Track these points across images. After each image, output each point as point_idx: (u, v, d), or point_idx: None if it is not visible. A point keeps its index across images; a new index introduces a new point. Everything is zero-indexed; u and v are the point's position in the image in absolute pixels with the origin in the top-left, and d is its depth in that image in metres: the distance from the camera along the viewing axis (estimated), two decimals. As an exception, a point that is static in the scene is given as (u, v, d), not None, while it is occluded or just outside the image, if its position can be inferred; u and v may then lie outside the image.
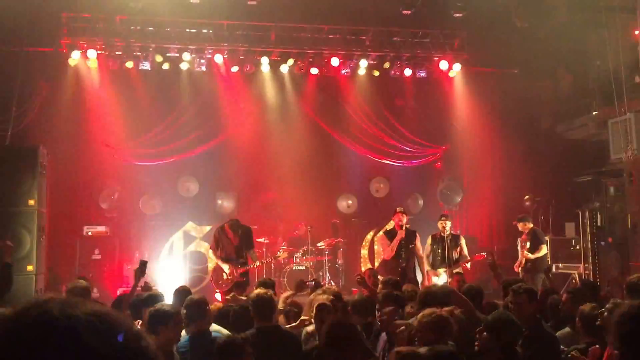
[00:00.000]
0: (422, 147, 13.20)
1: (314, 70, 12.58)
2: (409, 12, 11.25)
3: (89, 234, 11.48)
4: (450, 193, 13.25)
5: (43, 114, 11.23)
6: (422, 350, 3.55)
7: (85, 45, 11.41)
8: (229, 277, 8.81)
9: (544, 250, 10.26)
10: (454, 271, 9.15)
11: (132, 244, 11.73)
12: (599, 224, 10.84)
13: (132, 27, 11.55)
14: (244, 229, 9.12)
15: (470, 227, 13.35)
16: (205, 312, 4.96)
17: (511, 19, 11.07)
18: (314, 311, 5.00)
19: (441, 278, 9.24)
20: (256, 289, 5.59)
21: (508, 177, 12.95)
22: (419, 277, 9.62)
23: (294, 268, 11.35)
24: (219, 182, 12.67)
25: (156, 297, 5.55)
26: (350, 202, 13.28)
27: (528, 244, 10.11)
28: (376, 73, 12.72)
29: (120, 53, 11.69)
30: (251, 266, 9.13)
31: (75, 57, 11.47)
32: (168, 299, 6.09)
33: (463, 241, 9.78)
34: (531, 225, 10.36)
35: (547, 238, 11.07)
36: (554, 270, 10.95)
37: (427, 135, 13.19)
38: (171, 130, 12.17)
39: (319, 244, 11.79)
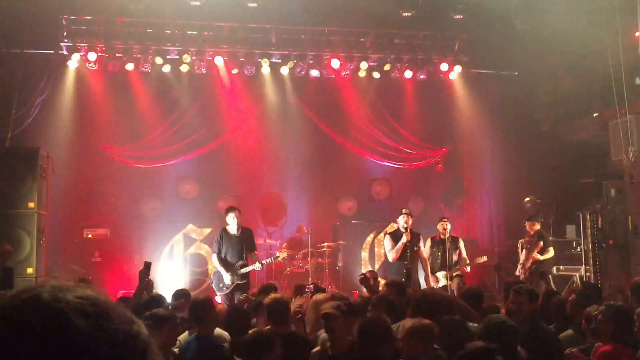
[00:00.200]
0: (422, 149, 13.18)
1: (315, 72, 12.58)
2: (409, 14, 11.26)
3: (89, 236, 11.46)
4: (450, 195, 13.25)
5: (43, 116, 11.22)
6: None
7: (86, 47, 11.40)
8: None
9: (552, 252, 10.23)
10: (454, 274, 9.12)
11: (132, 247, 11.68)
12: (599, 226, 10.81)
13: (132, 29, 11.56)
14: (245, 230, 9.11)
15: (470, 229, 13.34)
16: (212, 314, 4.90)
17: (511, 21, 11.07)
18: (323, 322, 4.96)
19: (440, 282, 9.22)
20: (259, 294, 5.56)
21: (509, 179, 12.94)
22: (421, 278, 9.60)
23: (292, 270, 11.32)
24: (219, 185, 12.65)
25: (159, 300, 5.53)
26: (350, 204, 13.27)
27: (541, 243, 10.01)
28: (377, 75, 12.72)
29: (121, 55, 11.67)
30: (252, 268, 9.11)
31: (75, 60, 11.47)
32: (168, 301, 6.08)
33: (462, 243, 9.75)
34: (539, 227, 10.32)
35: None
36: (554, 272, 10.92)
37: (428, 137, 13.19)
38: (171, 132, 12.17)
39: (319, 245, 11.76)
